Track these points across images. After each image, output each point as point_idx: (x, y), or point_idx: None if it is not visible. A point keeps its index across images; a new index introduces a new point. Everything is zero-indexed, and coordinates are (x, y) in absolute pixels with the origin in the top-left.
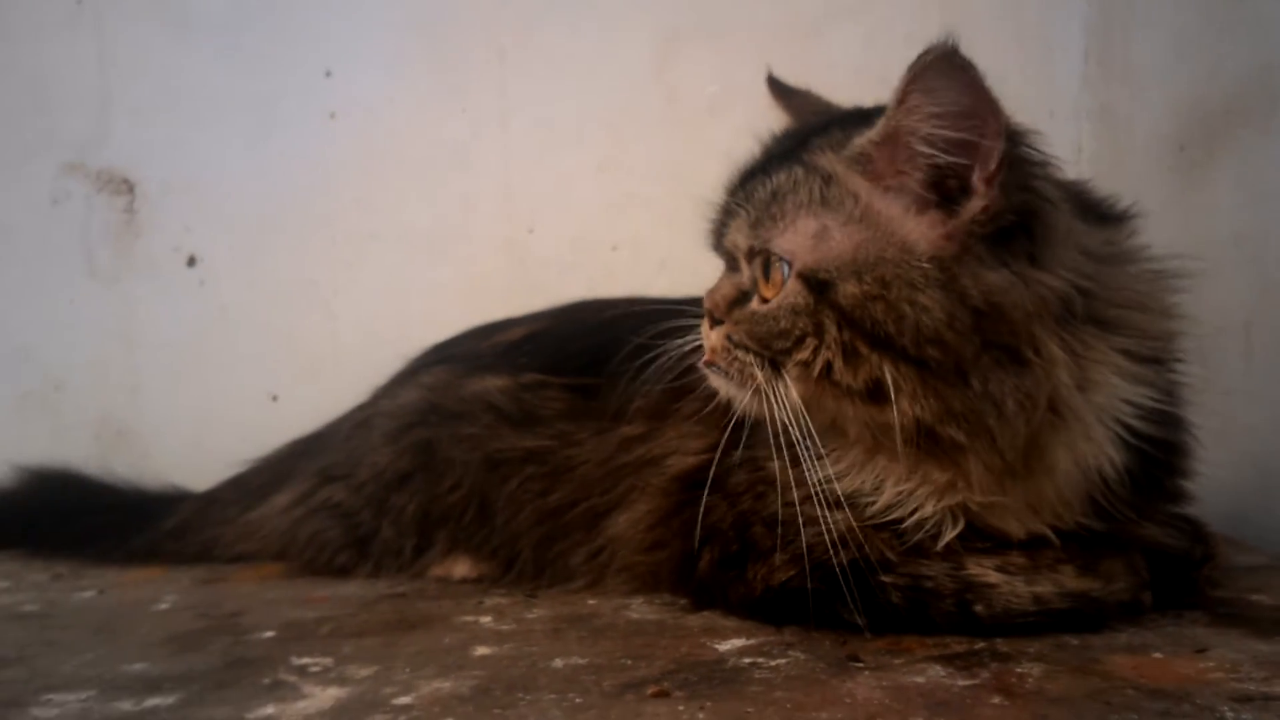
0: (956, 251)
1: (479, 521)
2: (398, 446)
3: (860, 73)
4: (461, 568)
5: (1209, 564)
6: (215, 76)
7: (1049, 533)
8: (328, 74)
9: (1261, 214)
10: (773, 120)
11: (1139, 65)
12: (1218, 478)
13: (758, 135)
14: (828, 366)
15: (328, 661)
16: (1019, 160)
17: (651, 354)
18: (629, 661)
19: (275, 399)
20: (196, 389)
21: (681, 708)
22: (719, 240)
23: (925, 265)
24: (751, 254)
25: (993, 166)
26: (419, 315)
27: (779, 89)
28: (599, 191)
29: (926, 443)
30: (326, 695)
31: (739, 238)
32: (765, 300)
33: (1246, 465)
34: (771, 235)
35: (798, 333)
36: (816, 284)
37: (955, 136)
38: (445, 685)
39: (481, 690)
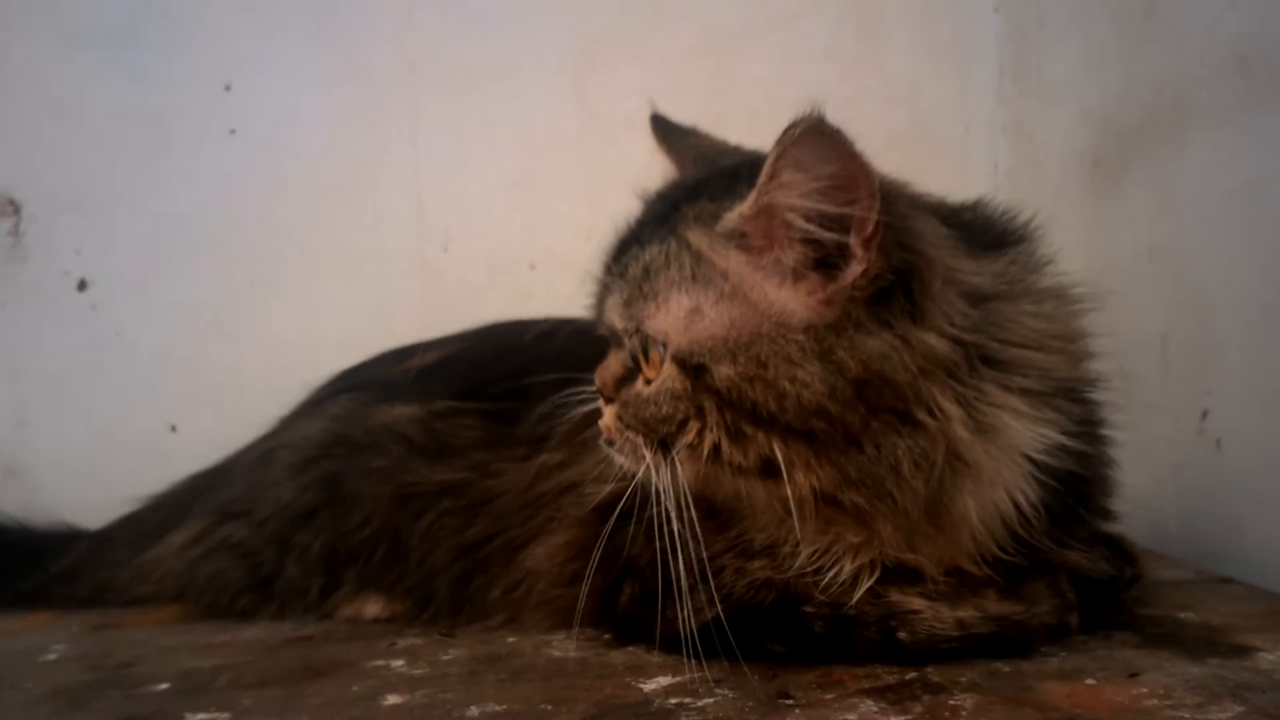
0: (836, 318)
1: (391, 559)
2: (302, 481)
3: (779, 86)
4: (373, 608)
5: (1137, 584)
6: (107, 91)
7: (968, 564)
8: (227, 88)
9: (1175, 227)
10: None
11: (1052, 80)
12: (1137, 492)
13: (639, 192)
14: (715, 448)
15: (225, 716)
16: (895, 219)
17: (573, 374)
18: (549, 707)
19: (174, 429)
20: (89, 420)
21: None
22: (599, 316)
23: (801, 338)
24: (628, 334)
25: (869, 230)
26: (327, 339)
27: (663, 129)
28: (515, 208)
29: (831, 509)
30: None
31: (614, 317)
32: (648, 381)
33: (1165, 478)
34: (644, 316)
35: (680, 417)
36: (692, 368)
37: (830, 206)
38: None
39: None
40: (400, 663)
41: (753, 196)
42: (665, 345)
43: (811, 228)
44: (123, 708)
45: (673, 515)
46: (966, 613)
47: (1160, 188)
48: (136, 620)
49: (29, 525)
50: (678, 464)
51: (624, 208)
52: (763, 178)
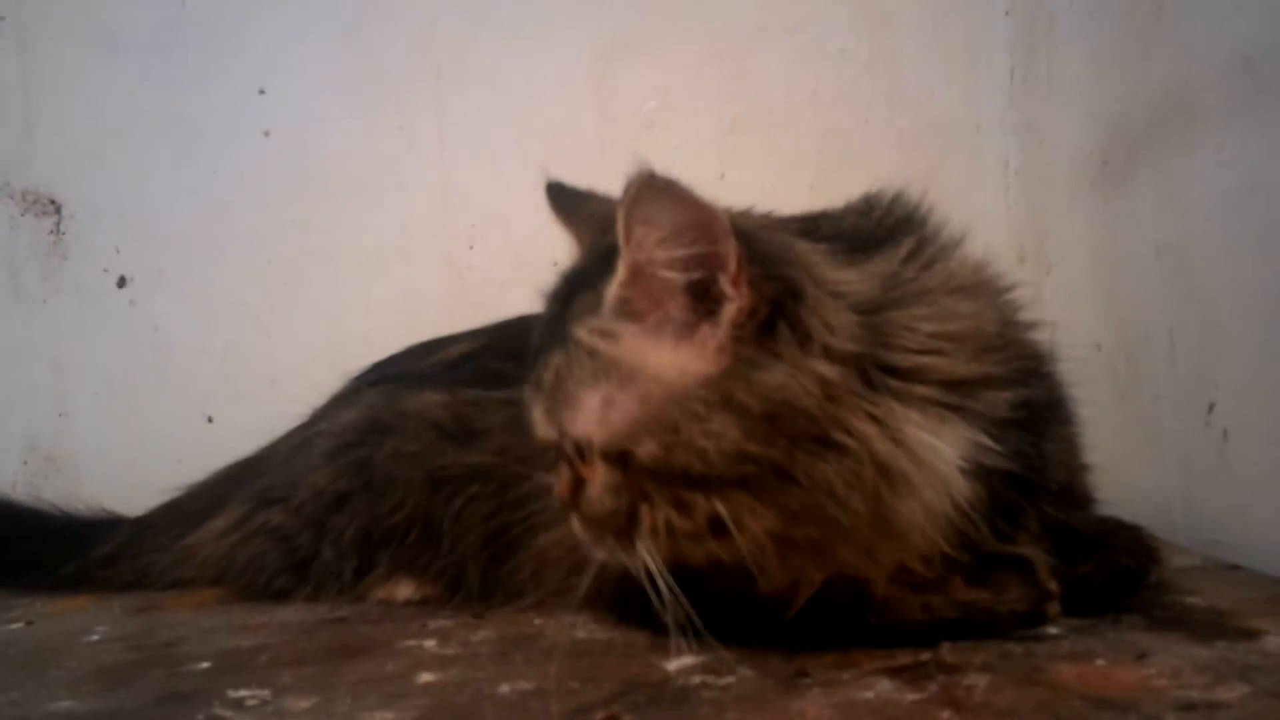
0: (730, 364)
1: (423, 542)
2: (337, 466)
3: (794, 88)
4: (405, 590)
5: (1151, 574)
6: (144, 95)
7: (919, 566)
8: (261, 91)
9: (1182, 225)
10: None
11: (1063, 81)
12: (1145, 481)
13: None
14: (668, 524)
15: (265, 694)
16: (757, 250)
17: None
18: (577, 685)
19: (210, 421)
20: (128, 412)
21: None
22: (532, 432)
23: (703, 392)
24: (559, 443)
25: (733, 267)
26: (357, 334)
27: (559, 200)
28: (538, 208)
29: (788, 548)
30: None
31: (542, 430)
32: (589, 481)
33: (1172, 469)
34: (564, 422)
35: (627, 507)
36: (618, 457)
37: (690, 252)
38: (388, 716)
39: None
40: (432, 643)
41: (620, 265)
42: (590, 445)
43: (683, 276)
44: (165, 685)
45: (660, 585)
46: (934, 598)
47: (1168, 186)
48: (176, 603)
49: (70, 512)
50: (644, 547)
51: None
52: (620, 243)
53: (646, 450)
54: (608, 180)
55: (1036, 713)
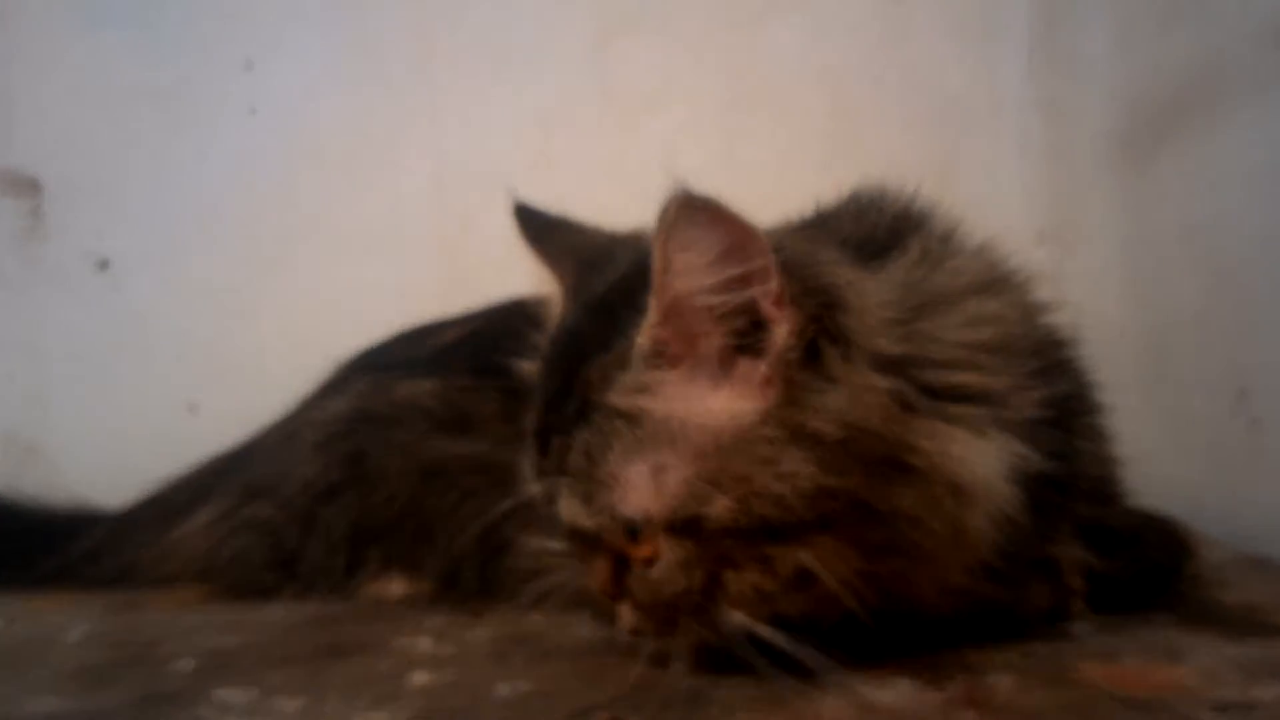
0: (784, 394)
1: (416, 536)
2: (326, 457)
3: (802, 65)
4: (397, 586)
5: (1184, 569)
6: (127, 71)
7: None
8: (248, 67)
9: (1210, 204)
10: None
11: (1083, 58)
12: (1171, 471)
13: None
14: (754, 588)
15: (252, 695)
16: (789, 263)
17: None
18: (579, 686)
19: (194, 410)
20: (110, 401)
21: None
22: (556, 518)
23: (765, 431)
24: (604, 529)
25: (775, 286)
26: (347, 318)
27: (532, 229)
28: (534, 187)
29: (871, 583)
30: None
31: (581, 519)
32: (648, 562)
33: (1200, 457)
34: (611, 503)
35: (702, 579)
36: (685, 526)
37: (733, 274)
38: (380, 717)
39: None
40: (427, 641)
41: (654, 301)
42: (648, 521)
43: (724, 302)
44: (149, 685)
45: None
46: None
47: (1195, 165)
48: (158, 601)
49: (49, 505)
50: (732, 615)
51: (644, 188)
52: (656, 273)
53: (720, 509)
54: (605, 160)
55: (1064, 713)
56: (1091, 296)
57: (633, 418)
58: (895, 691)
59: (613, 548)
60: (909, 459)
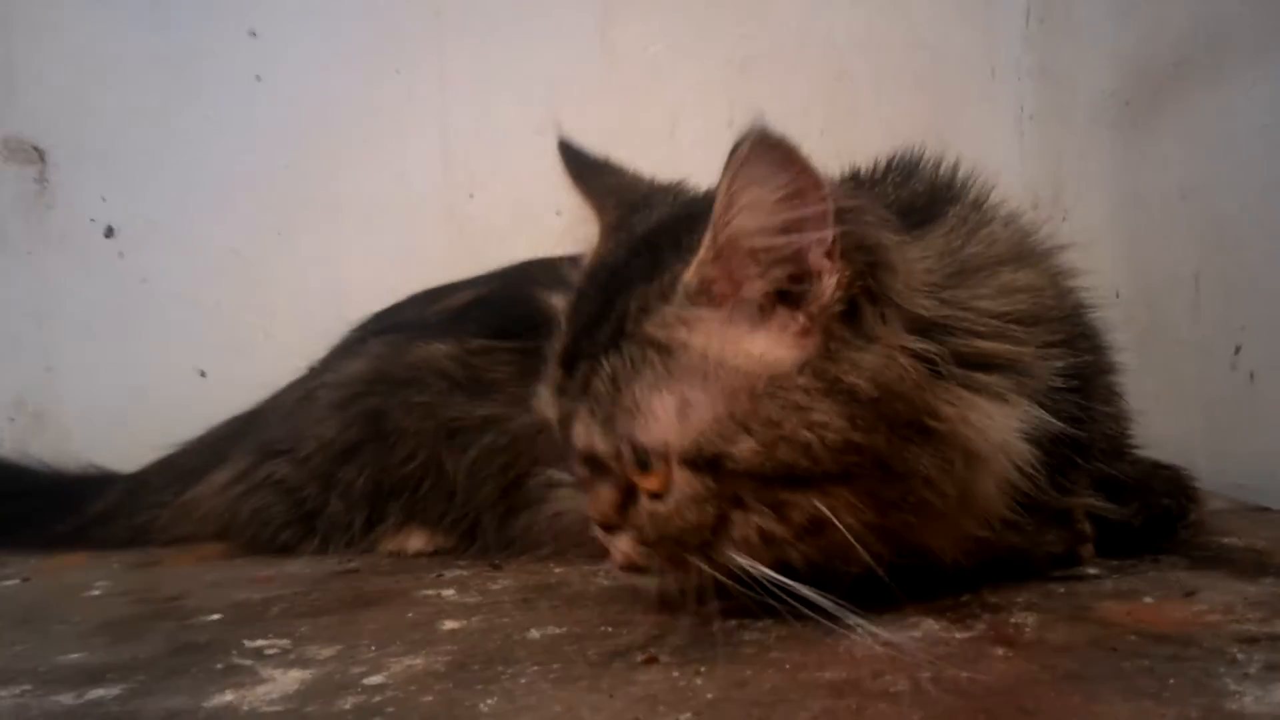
0: (821, 346)
1: (435, 493)
2: (345, 417)
3: (806, 31)
4: (417, 541)
5: (1190, 514)
6: (131, 37)
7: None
8: (252, 34)
9: (1207, 165)
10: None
11: (1081, 21)
12: (1168, 425)
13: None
14: (761, 531)
15: (284, 643)
16: (845, 217)
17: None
18: (609, 629)
19: (203, 375)
20: (118, 366)
21: (676, 674)
22: (567, 442)
23: (802, 380)
24: (617, 456)
25: (830, 237)
26: (354, 285)
27: (576, 166)
28: (540, 155)
29: (879, 536)
30: (289, 678)
31: (595, 441)
32: (657, 495)
33: (1195, 413)
34: (632, 429)
35: (714, 517)
36: (706, 463)
37: (790, 217)
38: (417, 662)
39: (458, 666)
40: (451, 592)
41: (709, 236)
42: (666, 452)
43: (778, 245)
44: (178, 637)
45: (757, 575)
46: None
47: (1193, 127)
48: (176, 558)
49: (60, 469)
50: (735, 557)
51: (649, 155)
52: (719, 208)
53: (746, 450)
54: (611, 126)
55: (1093, 648)
56: (1086, 259)
57: (667, 349)
58: (921, 631)
59: (622, 477)
60: (929, 423)
